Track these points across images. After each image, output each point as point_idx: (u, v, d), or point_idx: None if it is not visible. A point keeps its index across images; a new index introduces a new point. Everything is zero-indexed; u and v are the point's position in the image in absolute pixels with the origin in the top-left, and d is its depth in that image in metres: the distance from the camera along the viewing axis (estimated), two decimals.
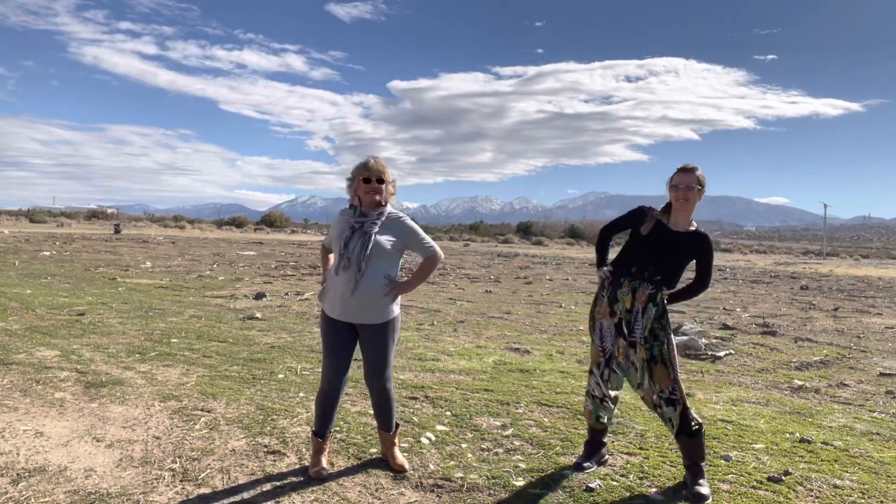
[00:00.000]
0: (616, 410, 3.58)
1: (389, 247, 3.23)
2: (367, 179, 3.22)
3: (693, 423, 3.24)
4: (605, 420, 3.48)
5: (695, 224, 3.40)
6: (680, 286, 3.43)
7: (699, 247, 3.35)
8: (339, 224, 3.31)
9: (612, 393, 3.41)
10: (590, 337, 3.53)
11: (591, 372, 3.48)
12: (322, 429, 3.35)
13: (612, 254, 3.59)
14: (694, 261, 3.40)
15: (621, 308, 3.34)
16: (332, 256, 3.49)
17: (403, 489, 3.18)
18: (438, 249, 3.42)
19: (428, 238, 3.40)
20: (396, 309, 3.35)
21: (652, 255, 3.32)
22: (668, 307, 3.35)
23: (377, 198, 3.24)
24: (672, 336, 3.34)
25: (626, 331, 3.32)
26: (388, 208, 3.30)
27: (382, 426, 3.46)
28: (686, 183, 3.30)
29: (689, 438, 3.24)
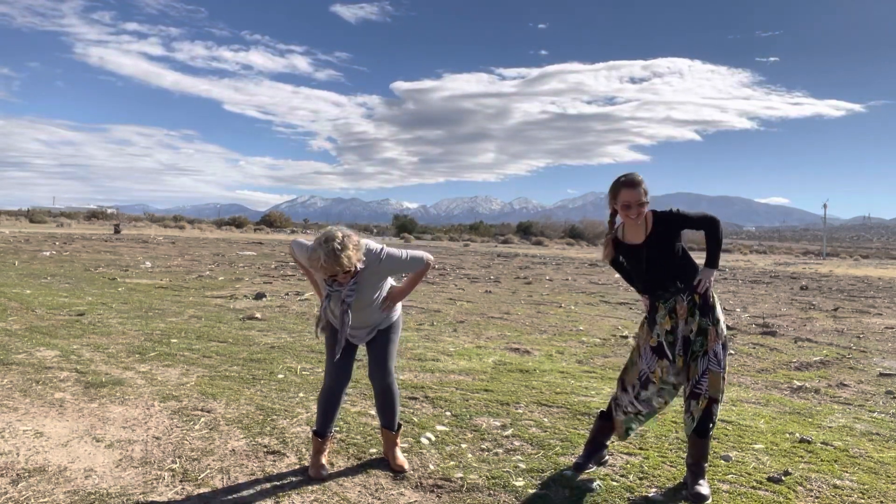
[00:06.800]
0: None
1: (374, 296, 3.24)
2: (333, 277, 3.04)
3: (711, 424, 3.21)
4: (634, 430, 3.45)
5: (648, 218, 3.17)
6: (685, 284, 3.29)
7: (672, 223, 3.14)
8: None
9: (648, 410, 3.32)
10: (632, 356, 3.38)
11: (624, 390, 3.35)
12: (323, 428, 3.35)
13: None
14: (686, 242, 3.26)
15: (661, 331, 3.21)
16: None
17: (403, 489, 3.18)
18: (426, 256, 3.29)
19: (408, 254, 3.24)
20: (398, 309, 3.41)
21: (648, 271, 3.21)
22: (711, 295, 3.18)
23: (346, 278, 3.07)
24: (721, 324, 3.19)
25: (668, 353, 3.17)
26: (361, 265, 3.07)
27: (385, 424, 3.46)
28: (637, 200, 3.07)
29: (699, 438, 3.22)
